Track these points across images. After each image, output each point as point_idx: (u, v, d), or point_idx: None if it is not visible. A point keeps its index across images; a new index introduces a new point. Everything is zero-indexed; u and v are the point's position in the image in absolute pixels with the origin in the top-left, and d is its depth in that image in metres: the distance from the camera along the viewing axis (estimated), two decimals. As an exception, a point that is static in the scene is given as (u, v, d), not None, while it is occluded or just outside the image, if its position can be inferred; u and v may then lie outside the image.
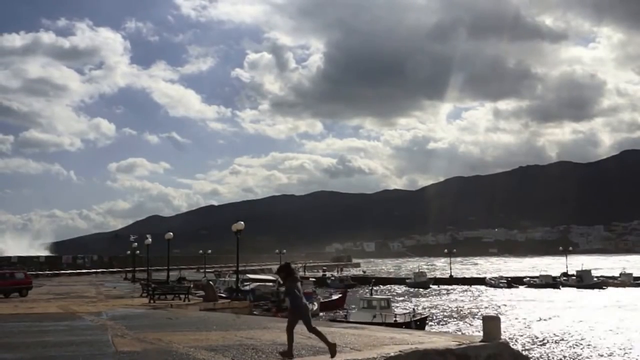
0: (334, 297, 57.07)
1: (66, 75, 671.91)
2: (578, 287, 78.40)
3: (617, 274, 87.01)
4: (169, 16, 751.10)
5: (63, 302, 28.16)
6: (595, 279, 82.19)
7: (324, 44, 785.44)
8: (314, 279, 78.31)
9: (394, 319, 37.04)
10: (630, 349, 32.25)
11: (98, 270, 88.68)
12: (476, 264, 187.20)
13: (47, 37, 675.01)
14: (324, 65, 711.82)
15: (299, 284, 9.52)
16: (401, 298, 67.38)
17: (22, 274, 35.52)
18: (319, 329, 9.51)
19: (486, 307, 56.48)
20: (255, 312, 33.19)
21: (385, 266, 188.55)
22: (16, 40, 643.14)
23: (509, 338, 33.68)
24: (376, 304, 39.73)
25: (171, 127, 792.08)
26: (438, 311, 53.35)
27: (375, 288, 60.08)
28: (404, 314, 40.02)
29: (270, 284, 54.10)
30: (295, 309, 9.43)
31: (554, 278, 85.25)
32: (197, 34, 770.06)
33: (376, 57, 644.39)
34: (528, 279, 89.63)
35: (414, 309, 43.71)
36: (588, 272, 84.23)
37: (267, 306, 41.82)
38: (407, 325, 34.59)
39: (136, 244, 74.88)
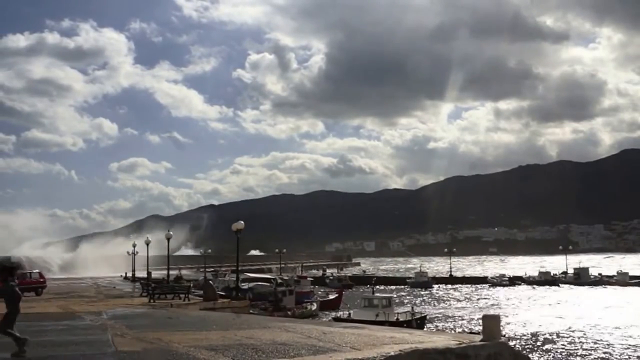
0: (331, 297, 57.14)
1: (70, 76, 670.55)
2: (576, 284, 79.32)
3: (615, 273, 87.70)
4: (173, 17, 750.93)
5: (63, 301, 28.16)
6: (592, 277, 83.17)
7: (325, 44, 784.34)
8: (311, 279, 78.40)
9: (396, 317, 37.14)
10: (625, 345, 32.32)
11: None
12: (476, 263, 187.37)
13: (51, 38, 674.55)
14: (326, 65, 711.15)
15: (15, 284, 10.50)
16: (402, 298, 67.35)
17: (37, 274, 36.76)
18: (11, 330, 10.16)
19: (486, 306, 56.52)
20: (252, 312, 33.25)
21: (386, 265, 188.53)
22: (20, 40, 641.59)
23: (511, 335, 33.72)
24: (377, 303, 39.90)
25: (173, 127, 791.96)
26: (439, 310, 53.39)
27: (378, 287, 60.19)
28: (405, 312, 40.15)
29: (268, 283, 54.12)
30: (11, 309, 10.16)
31: (553, 276, 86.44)
32: (199, 34, 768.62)
33: (378, 57, 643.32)
34: (528, 277, 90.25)
35: (412, 308, 43.85)
36: (586, 270, 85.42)
37: (264, 305, 41.84)
38: (408, 323, 34.70)
39: (136, 243, 74.76)
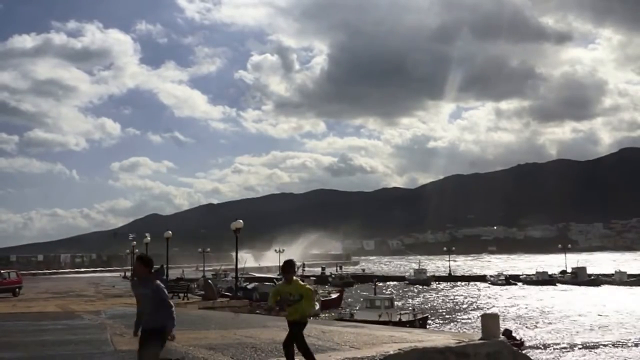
0: (333, 296, 56.99)
1: (76, 77, 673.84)
2: (573, 284, 79.31)
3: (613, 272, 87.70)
4: (178, 19, 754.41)
5: (62, 301, 28.12)
6: (592, 277, 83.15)
7: (327, 45, 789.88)
8: (314, 278, 78.31)
9: (398, 317, 36.87)
10: (622, 343, 32.38)
11: (97, 269, 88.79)
12: (476, 261, 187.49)
13: (57, 39, 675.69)
14: (328, 66, 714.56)
15: None
16: (403, 296, 67.32)
17: (15, 274, 35.35)
18: None
19: (485, 305, 56.53)
20: (257, 312, 33.13)
21: (385, 264, 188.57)
22: (27, 41, 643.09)
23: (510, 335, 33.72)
24: (379, 304, 39.65)
25: (175, 127, 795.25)
26: (438, 309, 53.40)
27: (379, 284, 60.08)
28: (407, 312, 39.89)
29: (270, 283, 53.90)
30: None
31: (550, 275, 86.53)
32: (204, 35, 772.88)
33: (379, 57, 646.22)
34: (525, 276, 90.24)
35: (414, 308, 43.60)
36: (583, 269, 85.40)
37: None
38: (411, 324, 34.50)
39: (135, 242, 74.80)
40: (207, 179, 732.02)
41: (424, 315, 41.30)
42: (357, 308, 43.66)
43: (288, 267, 8.30)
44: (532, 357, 28.50)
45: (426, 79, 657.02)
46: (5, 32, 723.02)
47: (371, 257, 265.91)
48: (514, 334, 31.30)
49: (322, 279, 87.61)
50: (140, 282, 6.91)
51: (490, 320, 10.59)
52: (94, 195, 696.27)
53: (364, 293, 56.17)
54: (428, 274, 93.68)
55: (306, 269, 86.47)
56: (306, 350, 8.17)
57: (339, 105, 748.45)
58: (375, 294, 45.58)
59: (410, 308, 44.09)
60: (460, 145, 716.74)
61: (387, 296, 45.50)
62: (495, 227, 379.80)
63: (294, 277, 8.16)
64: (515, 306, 55.16)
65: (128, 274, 68.17)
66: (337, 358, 9.13)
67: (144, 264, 6.84)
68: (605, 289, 74.95)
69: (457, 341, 10.20)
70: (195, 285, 44.10)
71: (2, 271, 35.88)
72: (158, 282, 6.98)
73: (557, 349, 32.03)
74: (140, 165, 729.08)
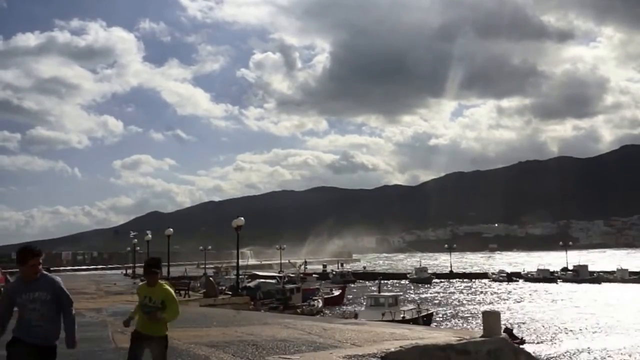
0: (335, 292, 57.05)
1: (79, 75, 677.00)
2: (574, 281, 79.33)
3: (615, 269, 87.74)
4: (182, 18, 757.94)
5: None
6: (593, 274, 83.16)
7: (330, 43, 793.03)
8: (317, 275, 78.36)
9: (402, 315, 36.71)
10: (621, 340, 32.36)
11: (98, 267, 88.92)
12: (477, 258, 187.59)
13: (61, 37, 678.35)
14: (331, 64, 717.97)
15: None
16: (404, 294, 67.34)
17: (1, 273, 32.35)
18: None
19: (486, 302, 56.56)
20: (262, 309, 33.07)
21: (393, 261, 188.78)
22: (30, 39, 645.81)
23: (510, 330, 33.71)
24: (384, 302, 39.42)
25: (178, 125, 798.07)
26: (440, 306, 53.42)
27: (383, 281, 60.06)
28: (411, 310, 39.72)
29: (273, 281, 53.89)
30: None
31: (551, 273, 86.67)
32: (207, 34, 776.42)
33: (382, 56, 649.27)
34: (526, 273, 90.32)
35: (418, 305, 43.45)
36: (585, 267, 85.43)
37: (274, 304, 41.53)
38: (415, 322, 34.39)
39: (136, 240, 74.77)
40: (208, 177, 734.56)
41: (429, 312, 41.13)
42: (360, 305, 43.48)
43: (152, 266, 6.25)
44: (533, 355, 28.56)
45: (428, 77, 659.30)
46: (9, 31, 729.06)
47: (381, 255, 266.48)
48: (515, 332, 31.35)
49: (323, 276, 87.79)
50: (29, 284, 5.17)
51: (491, 318, 10.58)
52: (95, 193, 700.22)
53: (367, 293, 56.02)
54: (429, 272, 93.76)
55: (308, 266, 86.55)
56: None
57: (340, 103, 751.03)
58: (379, 292, 45.38)
59: (414, 305, 43.91)
60: (462, 143, 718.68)
61: (392, 294, 45.19)
62: (496, 225, 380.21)
63: (159, 280, 6.26)
64: (516, 303, 55.18)
65: (129, 271, 68.26)
66: (338, 355, 9.12)
67: (40, 258, 5.12)
68: (607, 286, 74.91)
69: (458, 338, 10.19)
70: (199, 284, 44.09)
71: None
72: (55, 278, 5.34)
73: (558, 346, 32.03)
74: (142, 163, 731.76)
